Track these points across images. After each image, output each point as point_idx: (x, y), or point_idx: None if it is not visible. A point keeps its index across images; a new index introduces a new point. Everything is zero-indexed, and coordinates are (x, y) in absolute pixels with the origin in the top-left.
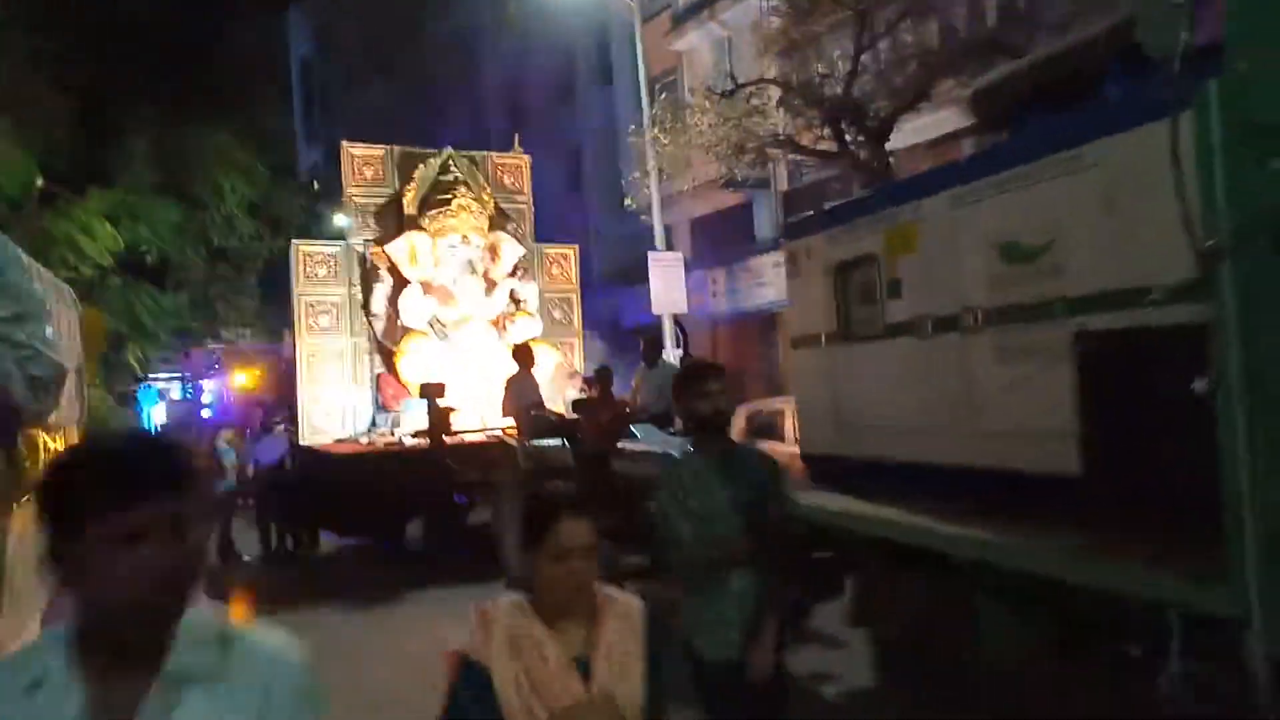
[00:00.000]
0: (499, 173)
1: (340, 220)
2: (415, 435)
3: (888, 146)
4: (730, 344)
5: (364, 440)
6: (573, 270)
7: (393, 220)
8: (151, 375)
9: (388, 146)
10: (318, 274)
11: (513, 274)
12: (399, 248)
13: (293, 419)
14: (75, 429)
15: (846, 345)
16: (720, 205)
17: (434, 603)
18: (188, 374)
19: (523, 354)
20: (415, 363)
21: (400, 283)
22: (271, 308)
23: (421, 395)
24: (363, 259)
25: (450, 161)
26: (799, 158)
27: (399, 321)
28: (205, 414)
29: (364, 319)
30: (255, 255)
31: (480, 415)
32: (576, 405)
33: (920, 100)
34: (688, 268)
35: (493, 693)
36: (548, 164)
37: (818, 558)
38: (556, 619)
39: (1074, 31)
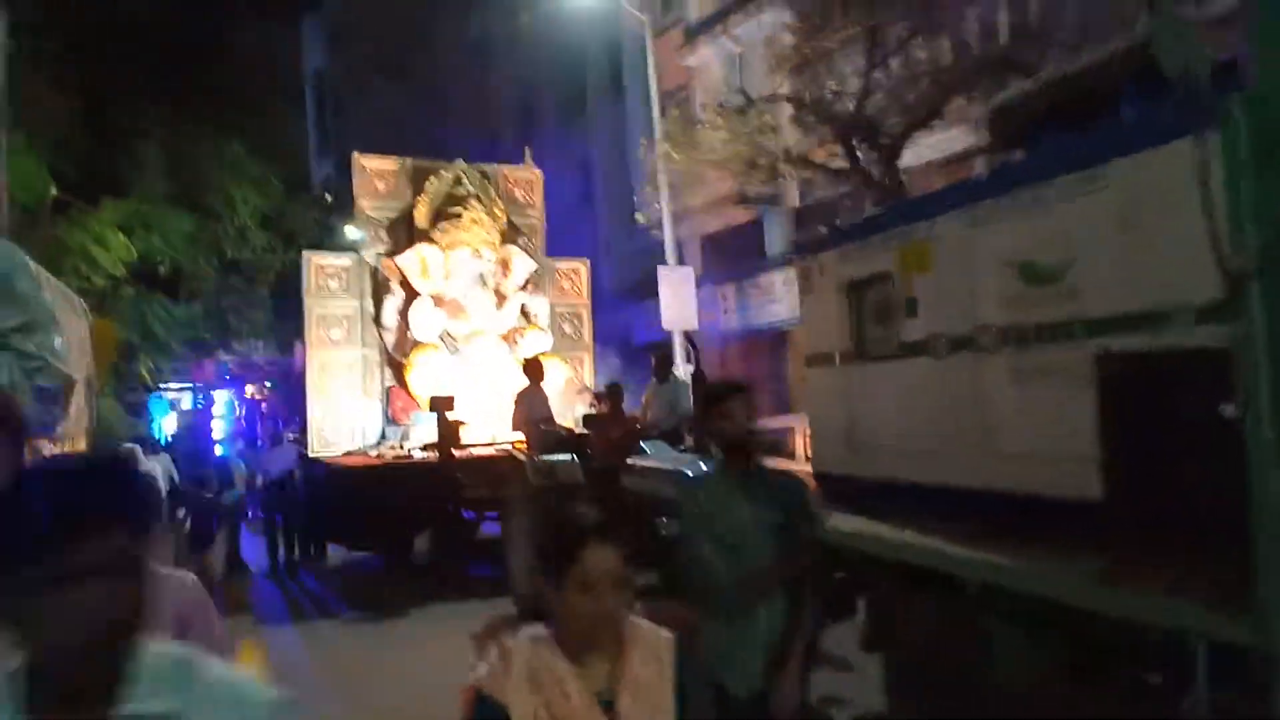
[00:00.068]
0: (511, 186)
1: (352, 233)
2: (424, 448)
3: (900, 164)
4: (740, 360)
5: (373, 453)
6: (584, 285)
7: (404, 233)
8: (162, 385)
9: (400, 159)
10: (329, 286)
11: (523, 288)
12: (410, 260)
13: (302, 431)
14: (84, 439)
15: (860, 364)
16: (731, 221)
17: (441, 618)
18: (199, 385)
19: (533, 368)
20: (425, 376)
21: (411, 295)
22: (283, 320)
23: (431, 408)
24: (374, 271)
25: (462, 175)
26: (810, 174)
27: (409, 334)
28: (215, 425)
29: (375, 331)
30: (267, 267)
31: (490, 429)
32: (587, 420)
33: (933, 118)
34: (698, 283)
35: None
36: (559, 178)
37: (830, 578)
38: (580, 653)
39: (1087, 50)
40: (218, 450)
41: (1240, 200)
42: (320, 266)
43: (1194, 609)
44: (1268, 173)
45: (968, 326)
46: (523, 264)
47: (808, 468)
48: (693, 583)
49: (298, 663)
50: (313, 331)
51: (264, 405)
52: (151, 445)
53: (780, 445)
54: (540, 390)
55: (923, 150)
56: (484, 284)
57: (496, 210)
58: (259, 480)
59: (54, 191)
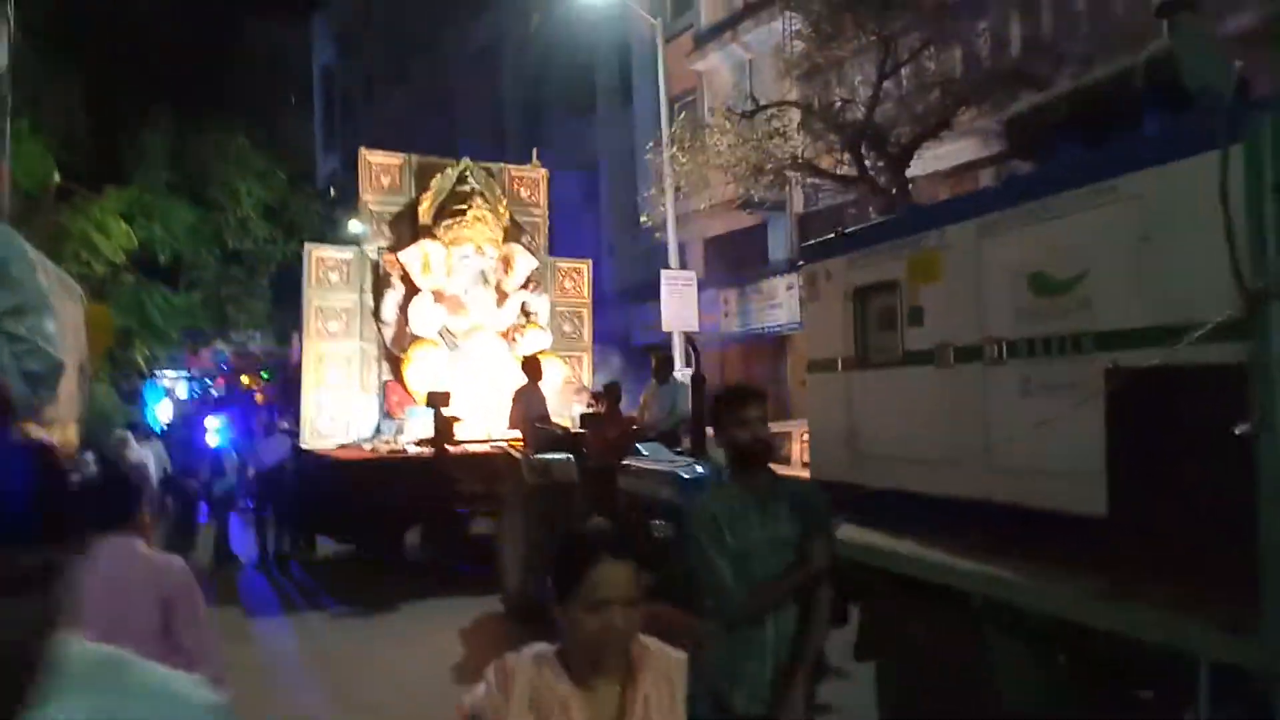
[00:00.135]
0: (516, 185)
1: (355, 227)
2: (419, 443)
3: (907, 173)
4: (739, 365)
5: (367, 446)
6: (585, 285)
7: (407, 228)
8: (159, 373)
9: (406, 155)
10: (330, 279)
11: (525, 286)
12: (412, 256)
13: (297, 422)
14: (75, 423)
15: (863, 371)
16: (735, 226)
17: (430, 613)
18: (195, 374)
19: (531, 366)
20: (422, 371)
21: (411, 291)
22: (282, 311)
23: (428, 404)
24: (375, 266)
25: (467, 172)
26: (817, 181)
27: (408, 329)
28: (210, 415)
29: (373, 325)
30: (268, 258)
31: (486, 426)
32: (584, 419)
33: (942, 128)
34: (700, 287)
35: None
36: (565, 178)
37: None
38: (587, 676)
39: (1099, 64)
40: (212, 440)
41: (1263, 219)
42: (321, 259)
43: (1201, 630)
44: None
45: (976, 337)
46: (525, 262)
47: (804, 473)
48: (708, 599)
49: (286, 655)
50: (311, 323)
51: (259, 396)
52: (145, 432)
53: (777, 450)
54: (538, 388)
55: (929, 161)
56: (485, 281)
57: (500, 208)
58: (251, 470)
59: (57, 179)
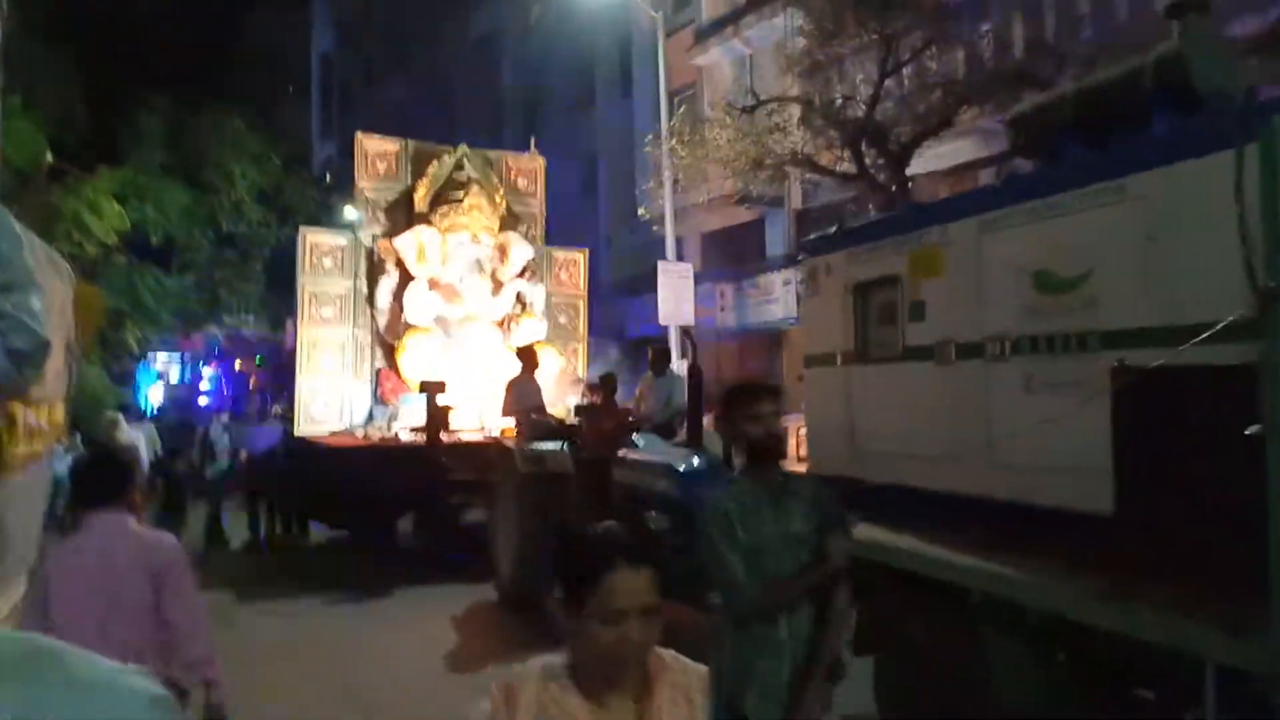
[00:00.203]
0: (513, 174)
1: (350, 213)
2: (412, 431)
3: (907, 171)
4: (735, 359)
5: (359, 433)
6: (581, 276)
7: (403, 215)
8: (151, 355)
9: (402, 140)
10: (324, 264)
11: (521, 275)
12: (407, 243)
13: (290, 408)
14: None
15: (862, 366)
16: (733, 220)
17: (422, 600)
18: (187, 357)
19: (526, 356)
20: (416, 359)
21: (406, 278)
22: (275, 296)
23: (421, 391)
24: (370, 252)
25: (464, 159)
26: (816, 177)
27: (402, 317)
28: (203, 398)
29: (367, 312)
30: (262, 242)
31: (480, 415)
32: (579, 410)
33: (944, 127)
34: (696, 280)
35: None
36: (563, 169)
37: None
38: (599, 692)
39: (1102, 66)
40: (203, 424)
41: (1277, 218)
42: (316, 244)
43: (1206, 631)
44: None
45: (978, 333)
46: (521, 251)
47: (800, 468)
48: (723, 599)
49: (277, 640)
50: (305, 309)
51: (252, 380)
52: (136, 414)
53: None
54: (533, 378)
55: (929, 159)
56: (481, 269)
57: (497, 196)
58: (243, 455)
59: (50, 158)
